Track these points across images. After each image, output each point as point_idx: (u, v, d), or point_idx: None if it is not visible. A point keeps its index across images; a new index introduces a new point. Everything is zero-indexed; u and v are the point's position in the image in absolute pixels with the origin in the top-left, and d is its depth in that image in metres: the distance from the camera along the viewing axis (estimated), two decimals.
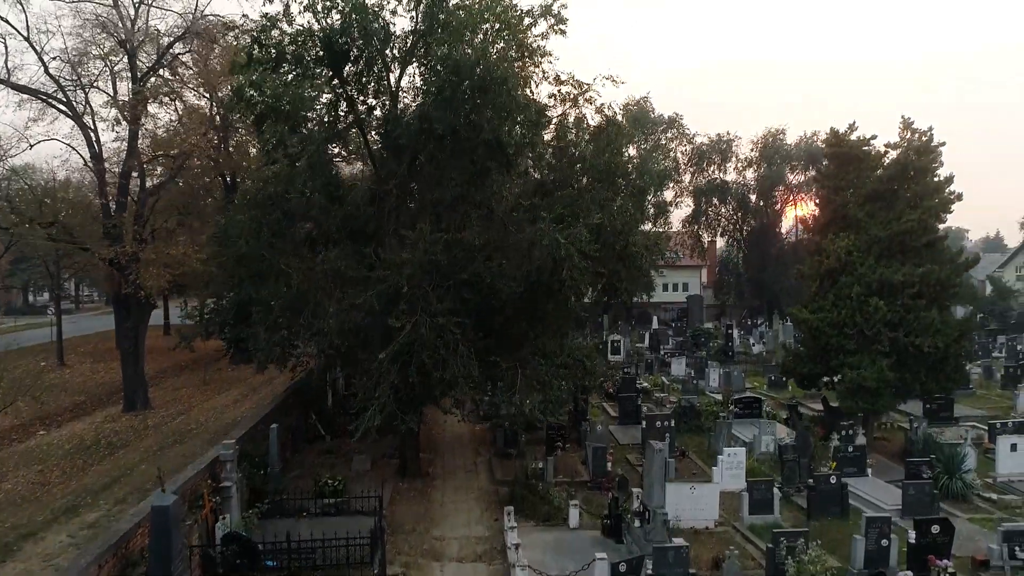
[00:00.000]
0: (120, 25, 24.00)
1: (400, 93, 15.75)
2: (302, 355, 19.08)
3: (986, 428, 21.00)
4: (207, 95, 29.35)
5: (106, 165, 24.85)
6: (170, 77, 26.49)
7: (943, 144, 20.15)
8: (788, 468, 17.02)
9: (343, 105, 15.57)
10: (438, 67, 13.16)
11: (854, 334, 19.29)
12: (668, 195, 54.30)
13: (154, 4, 25.42)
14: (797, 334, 21.37)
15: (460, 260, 14.27)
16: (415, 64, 15.47)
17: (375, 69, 15.23)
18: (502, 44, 14.56)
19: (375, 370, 13.56)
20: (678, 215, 56.62)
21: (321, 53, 14.47)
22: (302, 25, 14.62)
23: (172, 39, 25.32)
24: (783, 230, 53.49)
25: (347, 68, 14.79)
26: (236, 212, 18.70)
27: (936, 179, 19.77)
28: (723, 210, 53.69)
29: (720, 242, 59.32)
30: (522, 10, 15.92)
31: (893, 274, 18.96)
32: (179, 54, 26.25)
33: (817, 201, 23.05)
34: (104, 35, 24.26)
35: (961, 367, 19.72)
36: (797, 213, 50.90)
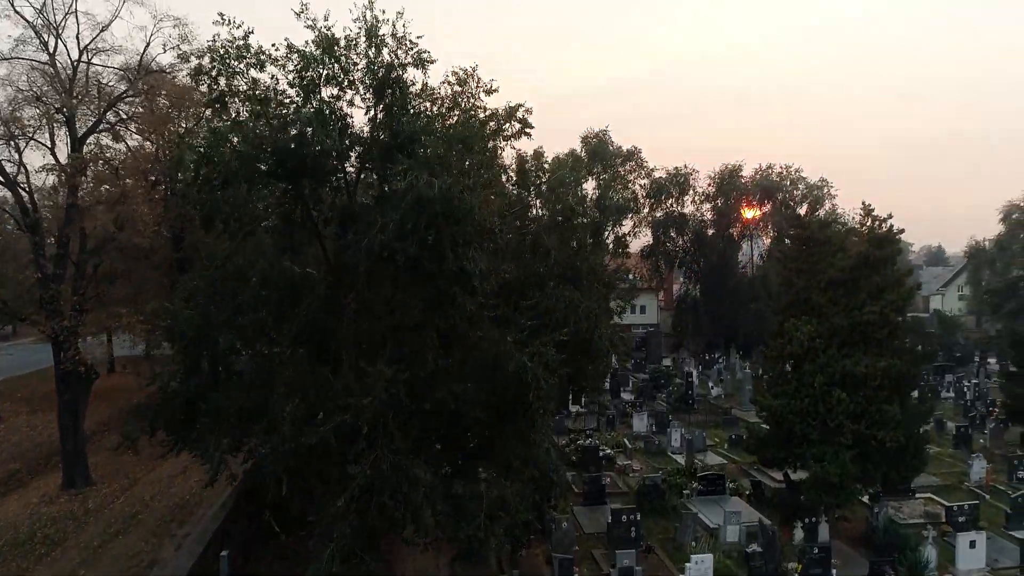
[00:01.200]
0: (57, 86, 22.64)
1: (359, 203, 15.05)
2: (254, 449, 18.21)
3: (943, 507, 21.30)
4: (151, 138, 27.92)
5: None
6: (113, 125, 25.10)
7: (902, 231, 20.37)
8: (755, 572, 16.92)
9: (298, 213, 14.82)
10: (400, 201, 12.51)
11: (817, 424, 19.33)
12: (627, 225, 54.86)
13: (93, 61, 24.09)
14: (762, 415, 21.27)
15: (422, 390, 13.67)
16: (376, 175, 14.83)
17: (333, 180, 14.53)
18: (468, 162, 14.04)
19: (331, 514, 12.86)
20: (637, 244, 57.08)
21: (275, 167, 13.70)
22: (256, 134, 13.82)
23: (113, 98, 24.01)
24: (740, 264, 54.07)
25: (304, 180, 14.02)
26: (188, 295, 17.71)
27: (896, 270, 19.92)
28: (680, 242, 54.13)
29: (678, 277, 59.81)
30: (492, 119, 15.48)
31: (855, 365, 19.03)
32: (123, 99, 24.84)
33: (781, 283, 22.99)
34: (42, 89, 22.84)
35: (922, 453, 19.91)
36: (753, 247, 51.58)
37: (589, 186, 53.40)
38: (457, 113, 15.19)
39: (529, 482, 15.91)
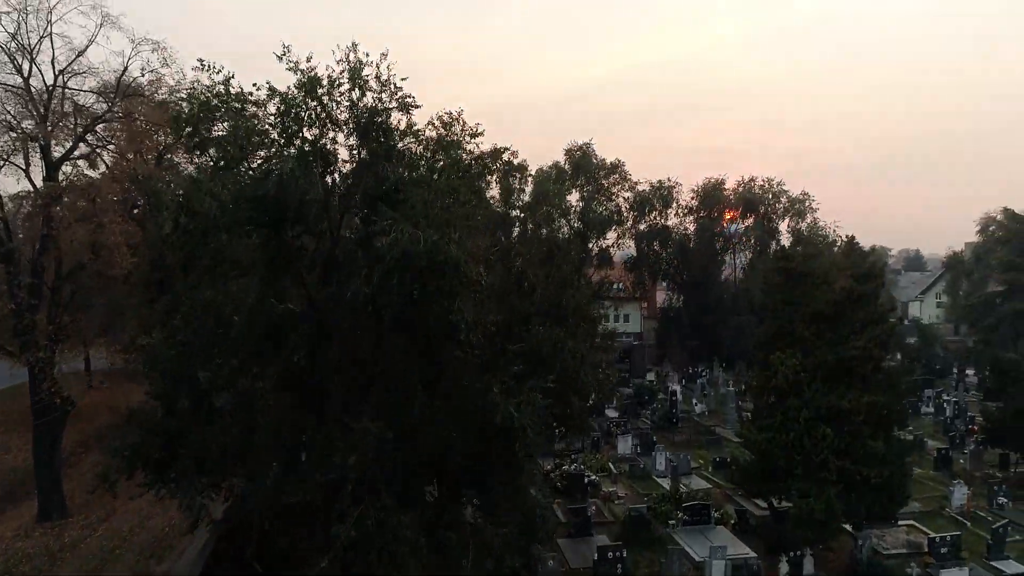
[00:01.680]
0: (31, 111, 22.14)
1: (342, 251, 14.80)
2: (235, 488, 17.88)
3: (925, 537, 21.45)
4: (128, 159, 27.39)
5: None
6: (92, 149, 24.58)
7: (885, 264, 20.46)
8: None
9: (281, 259, 14.54)
10: (385, 253, 12.29)
11: (802, 459, 19.36)
12: (611, 237, 54.94)
13: (69, 84, 23.57)
14: (748, 456, 21.24)
15: (408, 439, 13.47)
16: (359, 219, 14.59)
17: (316, 227, 14.29)
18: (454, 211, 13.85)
19: (315, 573, 12.62)
20: (622, 255, 57.15)
21: (257, 215, 13.43)
22: (237, 181, 13.56)
23: (90, 122, 23.54)
24: (723, 276, 54.31)
25: (286, 226, 13.77)
26: (168, 332, 17.34)
27: (880, 305, 20.02)
28: (664, 254, 54.26)
29: (661, 285, 59.98)
30: (478, 162, 15.32)
31: (840, 400, 19.09)
32: (100, 121, 24.33)
33: (765, 314, 23.03)
34: (16, 114, 22.32)
35: (906, 487, 20.02)
36: (736, 260, 51.84)
37: (573, 198, 53.60)
38: (442, 157, 14.99)
39: (516, 526, 15.77)
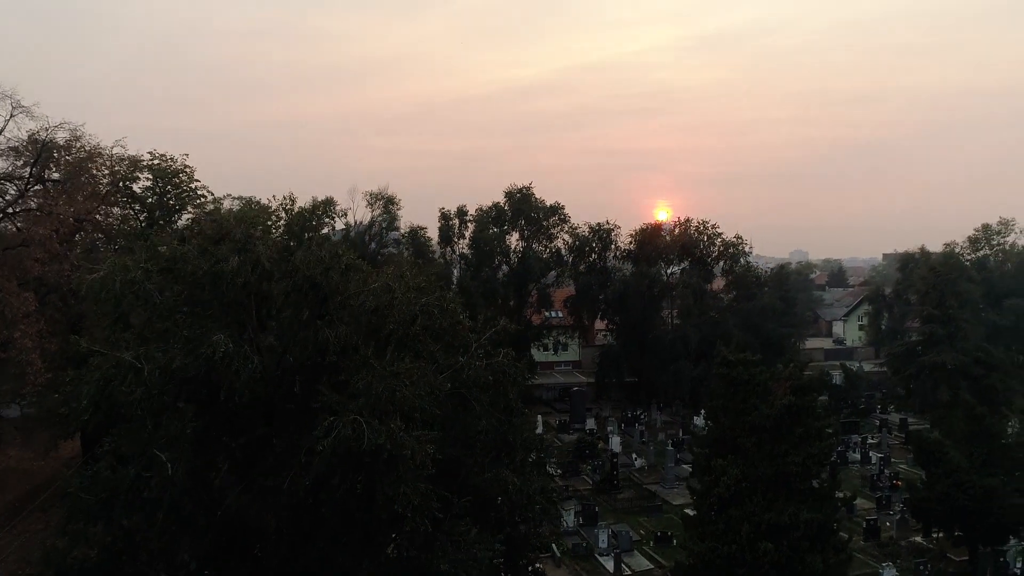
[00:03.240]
0: None
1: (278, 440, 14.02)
2: None
3: None
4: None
5: None
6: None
7: (823, 380, 20.94)
8: None
9: (210, 445, 13.70)
10: (327, 450, 11.66)
11: (743, 573, 19.61)
12: (551, 276, 55.18)
13: None
14: (690, 561, 21.34)
15: None
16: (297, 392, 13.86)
17: (248, 410, 13.49)
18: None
19: None
20: (562, 294, 57.45)
21: (184, 397, 12.60)
22: (163, 362, 12.68)
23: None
24: (662, 319, 55.09)
25: (216, 410, 12.96)
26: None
27: (818, 421, 20.46)
28: (603, 295, 54.72)
29: (602, 328, 60.54)
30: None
31: (779, 517, 19.40)
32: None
33: (706, 421, 23.26)
34: None
35: None
36: (673, 305, 52.69)
37: (513, 238, 53.54)
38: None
39: None
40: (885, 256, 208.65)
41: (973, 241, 60.68)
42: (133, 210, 34.26)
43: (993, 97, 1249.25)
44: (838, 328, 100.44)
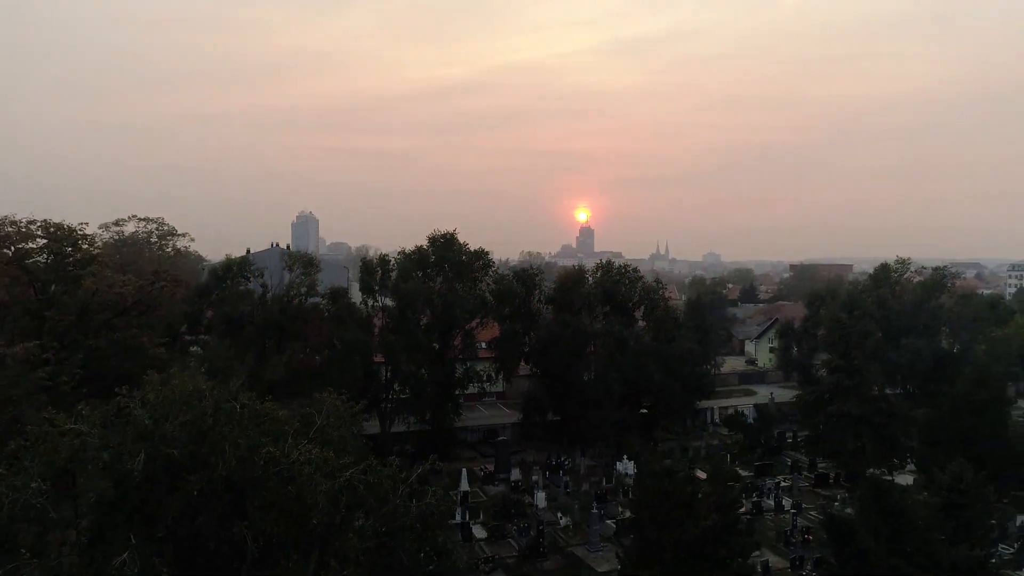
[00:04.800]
0: None
1: None
2: None
3: None
4: None
5: None
6: None
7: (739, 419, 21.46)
8: None
9: None
10: None
11: None
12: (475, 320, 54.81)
13: None
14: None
15: None
16: None
17: None
18: None
19: None
20: (487, 334, 57.21)
21: None
22: None
23: None
24: (587, 364, 55.61)
25: None
26: None
27: (740, 543, 20.97)
28: (527, 339, 54.85)
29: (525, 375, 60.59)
30: None
31: None
32: None
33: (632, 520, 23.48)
34: None
35: None
36: (596, 352, 53.30)
37: (438, 284, 52.87)
38: None
39: None
40: (792, 267, 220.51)
41: (874, 279, 64.37)
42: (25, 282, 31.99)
43: (901, 108, 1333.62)
44: (751, 347, 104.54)
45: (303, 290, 37.77)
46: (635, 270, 54.89)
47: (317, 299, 39.15)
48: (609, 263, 55.27)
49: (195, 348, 36.84)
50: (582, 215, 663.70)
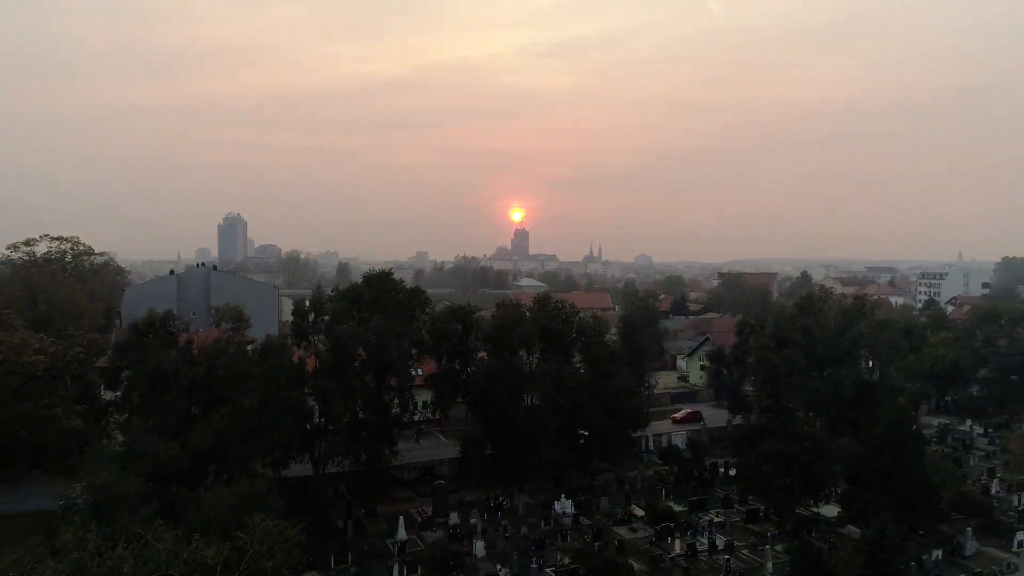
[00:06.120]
0: None
1: None
2: None
3: None
4: None
5: None
6: None
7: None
8: None
9: None
10: None
11: None
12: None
13: None
14: None
15: None
16: None
17: None
18: None
19: None
20: (425, 369, 56.49)
21: None
22: None
23: None
24: (524, 402, 55.52)
25: None
26: None
27: None
28: (464, 376, 54.37)
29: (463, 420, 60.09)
30: None
31: None
32: None
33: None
34: None
35: None
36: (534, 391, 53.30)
37: (372, 323, 51.78)
38: None
39: None
40: (720, 275, 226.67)
41: (800, 308, 66.74)
42: None
43: (820, 116, 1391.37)
44: (683, 363, 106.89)
45: (232, 349, 36.21)
46: (572, 305, 55.23)
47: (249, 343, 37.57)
48: (546, 298, 55.41)
49: (115, 417, 34.78)
50: (516, 215, 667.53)
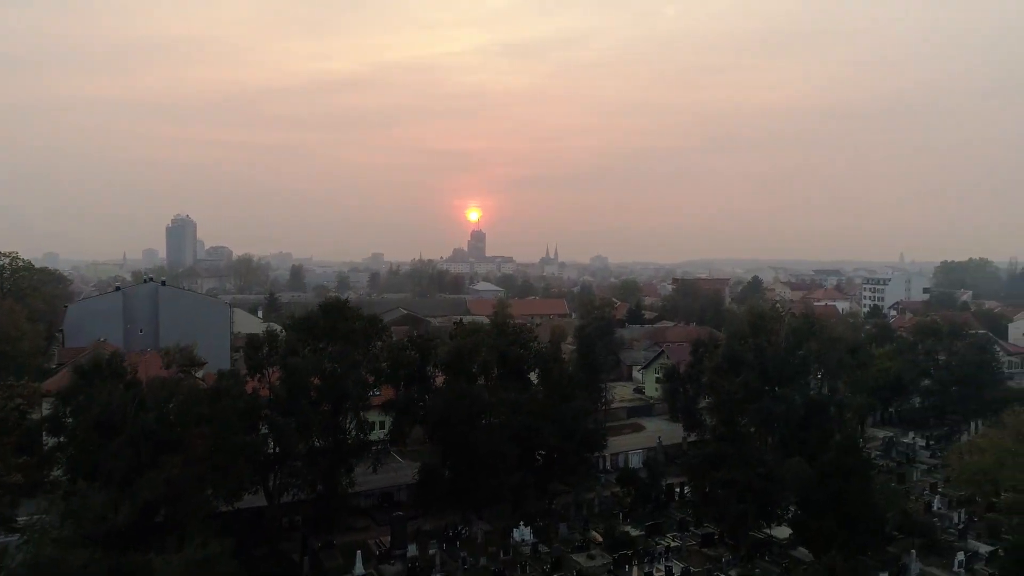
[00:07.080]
0: None
1: None
2: None
3: None
4: None
5: None
6: None
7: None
8: None
9: None
10: None
11: None
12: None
13: None
14: None
15: None
16: None
17: None
18: None
19: None
20: (381, 397, 55.84)
21: None
22: None
23: None
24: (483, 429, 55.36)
25: None
26: None
27: None
28: (423, 402, 53.96)
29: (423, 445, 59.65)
30: None
31: None
32: None
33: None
34: None
35: None
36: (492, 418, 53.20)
37: (328, 352, 50.99)
38: None
39: None
40: (675, 280, 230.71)
41: (752, 327, 68.11)
42: None
43: (770, 117, 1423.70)
44: (639, 374, 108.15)
45: (183, 395, 35.12)
46: (530, 330, 55.35)
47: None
48: (504, 324, 55.38)
49: (57, 472, 33.33)
50: (473, 215, 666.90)
